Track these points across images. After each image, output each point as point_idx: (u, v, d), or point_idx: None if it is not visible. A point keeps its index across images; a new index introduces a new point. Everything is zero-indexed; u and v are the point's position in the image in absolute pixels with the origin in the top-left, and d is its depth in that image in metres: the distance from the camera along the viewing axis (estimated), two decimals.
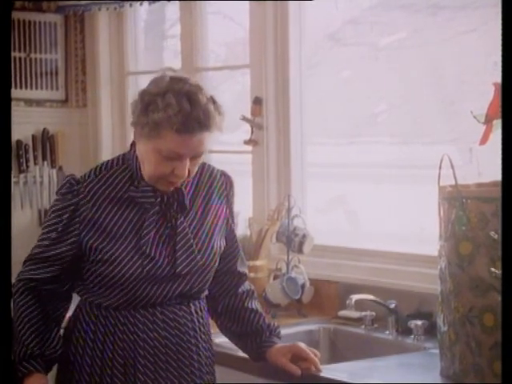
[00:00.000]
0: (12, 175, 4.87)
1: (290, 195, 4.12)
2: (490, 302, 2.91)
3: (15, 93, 4.86)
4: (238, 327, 3.14)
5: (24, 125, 4.93)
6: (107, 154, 5.05)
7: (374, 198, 4.17)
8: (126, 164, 2.87)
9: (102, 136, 5.13)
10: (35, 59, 4.96)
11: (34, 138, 4.99)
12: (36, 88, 4.97)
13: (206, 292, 3.05)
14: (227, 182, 3.05)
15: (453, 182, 3.00)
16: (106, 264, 2.79)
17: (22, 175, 4.98)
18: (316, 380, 3.04)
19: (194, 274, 2.89)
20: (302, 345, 3.10)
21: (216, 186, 3.01)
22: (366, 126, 4.42)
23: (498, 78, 3.19)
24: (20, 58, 4.93)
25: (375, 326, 3.79)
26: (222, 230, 3.02)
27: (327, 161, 4.44)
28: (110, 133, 5.14)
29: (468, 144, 3.45)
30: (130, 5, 4.72)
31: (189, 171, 2.77)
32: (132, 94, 4.96)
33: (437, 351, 3.20)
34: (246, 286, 3.22)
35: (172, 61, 4.92)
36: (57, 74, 5.05)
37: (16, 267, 4.66)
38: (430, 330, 3.50)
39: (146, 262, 2.79)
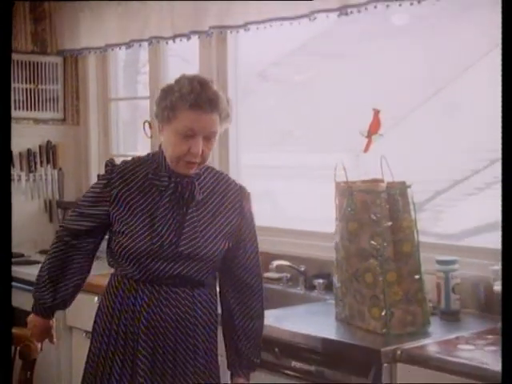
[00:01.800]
0: (24, 174, 4.91)
1: None
2: (369, 265, 2.94)
3: (26, 114, 4.93)
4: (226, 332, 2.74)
5: (33, 137, 4.97)
6: (95, 158, 5.11)
7: (292, 191, 4.21)
8: (152, 158, 2.66)
9: (90, 146, 5.11)
10: (42, 89, 4.95)
11: (40, 147, 4.98)
12: (42, 110, 4.96)
13: (215, 284, 2.74)
14: (242, 196, 2.68)
15: (345, 180, 3.04)
16: (123, 235, 2.57)
17: (31, 174, 4.95)
18: None
19: (194, 258, 2.57)
20: None
21: (231, 196, 2.66)
22: (286, 139, 4.46)
23: (377, 105, 3.28)
24: (30, 89, 4.92)
25: (290, 283, 3.80)
26: (230, 237, 2.63)
27: (257, 164, 4.45)
28: (97, 143, 5.11)
29: (356, 152, 3.47)
30: (112, 49, 4.71)
31: (203, 153, 2.51)
32: (114, 116, 5.06)
33: (333, 301, 3.23)
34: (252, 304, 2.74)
35: (143, 91, 4.91)
36: (57, 100, 5.04)
37: (28, 245, 4.73)
38: (328, 286, 3.50)
39: (155, 239, 2.54)
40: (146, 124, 4.67)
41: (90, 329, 3.84)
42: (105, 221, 2.64)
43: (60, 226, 2.84)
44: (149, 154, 2.72)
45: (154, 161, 2.64)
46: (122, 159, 4.95)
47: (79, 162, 5.12)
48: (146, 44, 4.46)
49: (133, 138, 5.09)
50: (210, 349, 2.66)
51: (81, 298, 3.96)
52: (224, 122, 2.56)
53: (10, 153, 4.61)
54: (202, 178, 2.63)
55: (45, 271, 2.74)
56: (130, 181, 2.62)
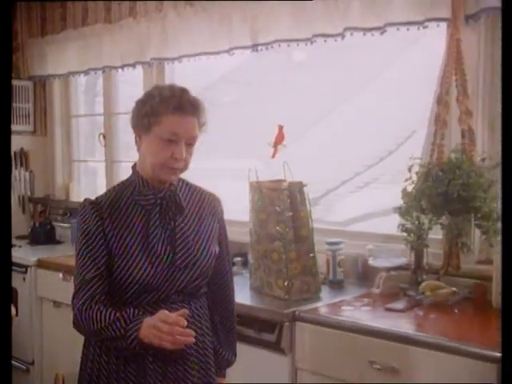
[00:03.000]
0: None
1: None
2: (275, 246, 2.96)
3: None
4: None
5: None
6: (59, 162, 5.03)
7: (217, 188, 4.22)
8: (129, 181, 2.11)
9: (55, 153, 5.05)
10: (16, 107, 4.85)
11: (15, 153, 4.89)
12: (17, 124, 4.85)
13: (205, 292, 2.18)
14: (216, 202, 2.22)
15: (256, 180, 3.06)
16: (121, 261, 1.99)
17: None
18: None
19: (191, 267, 2.05)
20: None
21: (206, 203, 2.18)
22: (215, 148, 4.49)
23: (281, 121, 3.34)
24: None
25: None
26: (215, 241, 2.16)
27: (193, 167, 4.45)
28: (60, 151, 5.05)
29: (266, 158, 3.48)
30: (73, 76, 4.68)
31: (185, 160, 2.02)
32: (75, 129, 5.04)
33: (248, 275, 3.24)
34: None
35: (99, 109, 4.88)
36: (29, 116, 4.96)
37: None
38: (245, 263, 3.48)
39: (153, 259, 2.00)
40: (101, 136, 4.72)
41: (56, 299, 3.91)
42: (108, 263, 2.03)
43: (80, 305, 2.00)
44: (125, 180, 2.14)
45: (132, 183, 2.09)
46: (82, 165, 5.01)
47: (46, 166, 5.05)
48: (100, 72, 4.43)
49: (90, 146, 5.06)
50: (208, 358, 2.14)
51: (49, 274, 4.01)
52: (201, 129, 2.08)
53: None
54: (179, 189, 2.14)
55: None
56: (117, 207, 2.06)
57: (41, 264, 3.99)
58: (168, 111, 1.98)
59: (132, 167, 2.14)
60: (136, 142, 2.08)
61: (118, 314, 1.92)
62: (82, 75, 4.62)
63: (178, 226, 2.09)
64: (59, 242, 4.66)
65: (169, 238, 2.07)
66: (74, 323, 2.02)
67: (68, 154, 5.05)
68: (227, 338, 2.28)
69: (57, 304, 3.93)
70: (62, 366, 3.59)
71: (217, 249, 2.16)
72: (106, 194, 2.13)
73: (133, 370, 2.01)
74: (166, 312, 1.88)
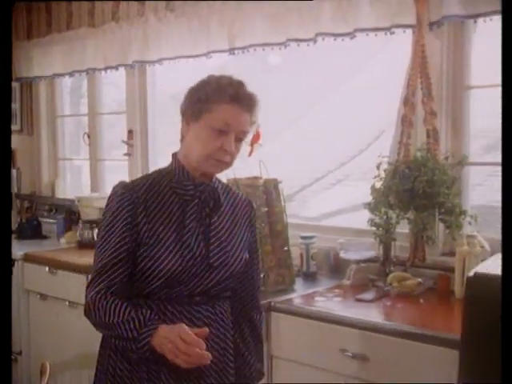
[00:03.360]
0: None
1: None
2: None
3: None
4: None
5: None
6: (45, 161, 5.00)
7: None
8: (167, 169, 1.90)
9: (41, 151, 5.02)
10: None
11: None
12: None
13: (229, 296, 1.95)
14: (250, 208, 2.01)
15: (233, 177, 2.97)
16: (152, 250, 1.78)
17: None
18: None
19: (223, 267, 1.85)
20: None
21: (240, 207, 1.97)
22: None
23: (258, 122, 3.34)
24: None
25: None
26: (246, 248, 1.95)
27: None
28: (46, 149, 5.03)
29: (243, 157, 3.41)
30: (58, 77, 4.66)
31: (232, 154, 1.82)
32: (60, 128, 5.02)
33: None
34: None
35: (84, 109, 4.87)
36: (16, 115, 4.93)
37: None
38: None
39: (185, 253, 1.79)
40: (85, 135, 4.72)
41: (42, 292, 3.90)
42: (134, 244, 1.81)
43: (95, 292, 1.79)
44: (163, 168, 1.93)
45: (170, 172, 1.89)
46: (67, 163, 4.98)
47: (33, 164, 5.02)
48: (84, 74, 4.42)
49: (75, 145, 5.04)
50: (226, 364, 1.91)
51: (36, 267, 3.99)
52: (251, 127, 1.87)
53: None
54: (216, 186, 1.93)
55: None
56: (153, 194, 1.84)
57: (27, 258, 3.97)
58: (224, 100, 1.78)
59: (172, 155, 1.93)
60: (182, 129, 1.88)
61: (133, 314, 1.72)
62: (66, 77, 4.60)
63: (213, 224, 1.88)
64: (45, 237, 4.63)
65: (203, 233, 1.85)
66: (85, 311, 1.82)
67: (54, 152, 5.02)
68: (257, 347, 2.07)
69: (43, 296, 3.92)
70: (48, 356, 3.58)
71: (247, 255, 1.94)
72: (141, 179, 1.92)
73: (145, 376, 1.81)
74: (186, 329, 1.66)
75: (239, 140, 1.83)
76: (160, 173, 1.92)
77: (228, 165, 1.85)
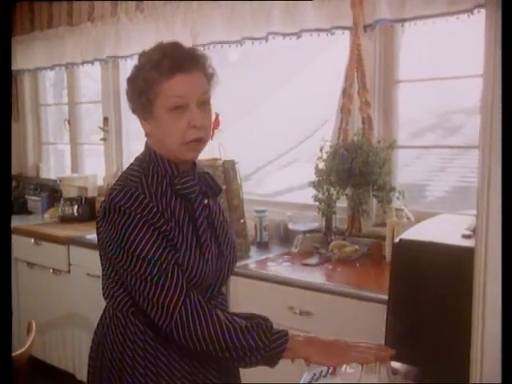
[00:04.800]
0: None
1: (121, 169, 4.00)
2: None
3: None
4: None
5: None
6: (30, 145, 4.93)
7: None
8: (153, 167, 1.47)
9: (27, 136, 4.94)
10: None
11: None
12: None
13: None
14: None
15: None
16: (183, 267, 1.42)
17: None
18: None
19: (231, 253, 1.57)
20: None
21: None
22: None
23: (218, 110, 3.29)
24: None
25: None
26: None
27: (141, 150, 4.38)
28: (31, 135, 4.95)
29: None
30: (40, 70, 4.56)
31: (205, 126, 1.42)
32: (43, 116, 4.95)
33: None
34: None
35: (65, 99, 4.78)
36: None
37: None
38: None
39: (206, 254, 1.46)
40: (66, 121, 4.66)
41: (29, 260, 3.87)
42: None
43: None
44: (145, 167, 1.47)
45: (159, 170, 1.47)
46: (51, 147, 4.88)
47: (19, 148, 4.92)
48: (64, 68, 4.34)
49: (59, 131, 4.95)
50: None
51: (22, 239, 3.95)
52: (211, 82, 1.45)
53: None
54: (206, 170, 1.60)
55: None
56: (159, 199, 1.43)
57: (15, 231, 3.91)
58: (164, 76, 1.38)
59: (149, 153, 1.49)
60: (143, 127, 1.48)
61: (245, 322, 1.42)
62: (48, 70, 4.53)
63: (213, 212, 1.55)
64: (31, 213, 4.60)
65: (210, 226, 1.51)
66: (179, 337, 1.37)
67: (38, 137, 4.95)
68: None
69: (30, 265, 3.91)
70: (35, 316, 3.55)
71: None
72: (135, 183, 1.43)
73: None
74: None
75: (203, 104, 1.42)
76: (147, 171, 1.47)
77: (205, 139, 1.45)
